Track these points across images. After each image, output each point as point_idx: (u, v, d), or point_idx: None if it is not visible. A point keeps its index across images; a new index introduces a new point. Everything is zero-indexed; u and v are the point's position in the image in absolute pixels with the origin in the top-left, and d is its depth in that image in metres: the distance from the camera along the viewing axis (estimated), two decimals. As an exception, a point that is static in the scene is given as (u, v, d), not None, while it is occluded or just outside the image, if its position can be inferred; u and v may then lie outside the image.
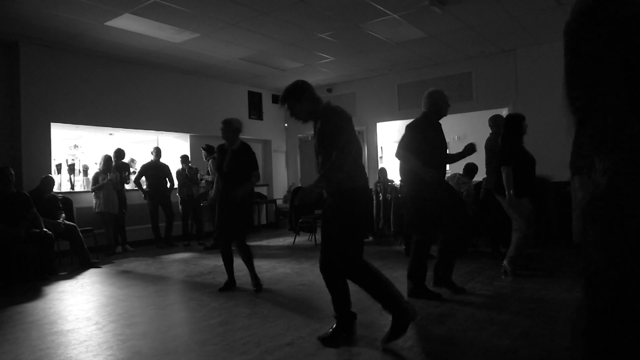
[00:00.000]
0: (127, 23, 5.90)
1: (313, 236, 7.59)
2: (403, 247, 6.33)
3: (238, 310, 3.68)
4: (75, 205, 6.74)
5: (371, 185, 6.22)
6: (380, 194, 7.15)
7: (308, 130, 10.19)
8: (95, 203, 6.79)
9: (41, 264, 5.33)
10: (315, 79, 8.89)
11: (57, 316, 3.77)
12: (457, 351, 2.71)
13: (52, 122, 6.86)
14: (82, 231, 6.11)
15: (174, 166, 7.93)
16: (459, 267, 4.92)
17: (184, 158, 7.92)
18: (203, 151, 7.86)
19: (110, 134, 8.50)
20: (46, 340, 3.12)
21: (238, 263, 4.47)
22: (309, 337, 2.97)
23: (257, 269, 4.49)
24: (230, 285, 4.43)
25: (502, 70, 7.86)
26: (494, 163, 4.86)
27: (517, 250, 4.51)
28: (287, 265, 5.57)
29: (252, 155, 4.38)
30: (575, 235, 1.48)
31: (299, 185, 9.91)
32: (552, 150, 5.75)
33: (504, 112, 6.70)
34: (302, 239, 7.84)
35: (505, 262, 4.58)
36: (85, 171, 7.92)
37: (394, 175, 6.65)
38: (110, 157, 7.06)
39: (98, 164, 7.13)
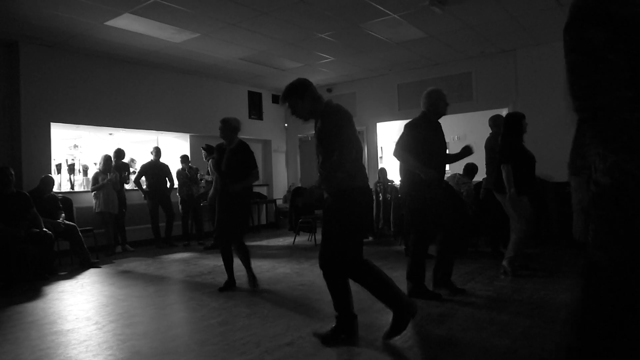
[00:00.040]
0: (127, 23, 5.89)
1: (313, 236, 7.59)
2: (403, 247, 6.34)
3: (238, 310, 3.68)
4: (75, 205, 6.73)
5: (371, 185, 6.23)
6: (380, 194, 7.15)
7: (308, 130, 10.23)
8: (95, 203, 6.79)
9: (41, 264, 5.33)
10: (315, 79, 8.89)
11: (57, 316, 3.77)
12: (457, 351, 2.71)
13: (52, 122, 6.85)
14: (82, 231, 6.11)
15: (174, 166, 7.93)
16: (459, 267, 4.92)
17: (183, 158, 7.92)
18: (203, 151, 7.87)
19: (110, 134, 8.50)
20: (46, 340, 3.12)
21: (238, 263, 4.46)
22: (308, 337, 2.97)
23: (257, 269, 4.49)
24: (230, 285, 4.42)
25: (502, 70, 7.86)
26: (494, 163, 4.86)
27: (515, 251, 4.51)
28: (287, 265, 5.57)
29: (250, 154, 4.38)
30: (576, 234, 1.48)
31: (299, 185, 9.91)
32: (552, 150, 5.75)
33: (504, 112, 6.69)
34: (302, 239, 7.84)
35: (504, 263, 4.58)
36: (85, 171, 7.92)
37: (394, 175, 6.66)
38: (110, 157, 7.06)
39: (98, 164, 7.14)
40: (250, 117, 9.95)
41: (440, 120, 3.93)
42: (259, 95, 10.23)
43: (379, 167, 8.22)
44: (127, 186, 7.55)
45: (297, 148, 10.82)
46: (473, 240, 6.20)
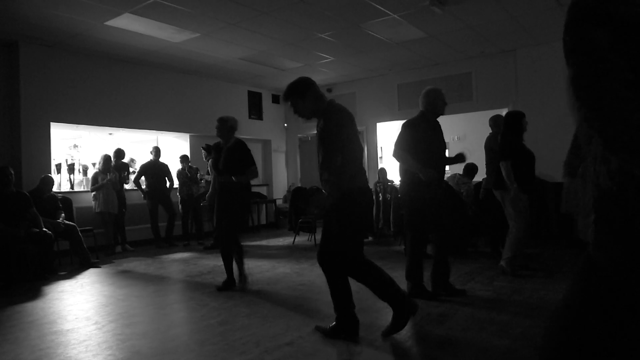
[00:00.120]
0: (127, 23, 5.89)
1: (313, 236, 7.59)
2: (403, 247, 6.33)
3: (237, 310, 3.68)
4: (74, 205, 6.74)
5: (371, 185, 6.22)
6: (380, 194, 7.15)
7: (308, 130, 10.24)
8: (95, 203, 6.79)
9: (41, 264, 5.33)
10: (315, 79, 8.75)
11: (56, 316, 3.77)
12: (457, 351, 2.71)
13: (51, 122, 6.85)
14: (81, 231, 6.11)
15: (174, 166, 7.93)
16: (459, 268, 4.93)
17: (183, 158, 7.92)
18: (203, 151, 7.86)
19: (110, 134, 8.50)
20: (46, 340, 3.12)
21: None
22: (308, 337, 2.97)
23: (257, 269, 4.49)
24: (229, 285, 4.42)
25: (502, 70, 7.86)
26: (494, 163, 4.87)
27: (512, 251, 4.51)
28: (287, 265, 5.57)
29: (247, 152, 4.38)
30: (581, 233, 1.48)
31: (299, 185, 9.91)
32: (552, 150, 5.76)
33: (504, 112, 6.69)
34: (302, 239, 7.84)
35: (502, 263, 4.58)
36: (85, 171, 7.92)
37: (394, 175, 6.66)
38: (109, 156, 7.06)
39: (97, 164, 7.14)
40: (250, 117, 9.95)
41: (440, 121, 3.92)
42: (259, 95, 10.23)
43: (379, 167, 8.22)
44: (126, 186, 7.55)
45: (297, 148, 10.82)
46: (473, 240, 6.21)
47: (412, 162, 3.66)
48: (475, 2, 5.58)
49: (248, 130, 9.61)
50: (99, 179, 6.79)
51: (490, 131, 5.54)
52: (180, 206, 7.73)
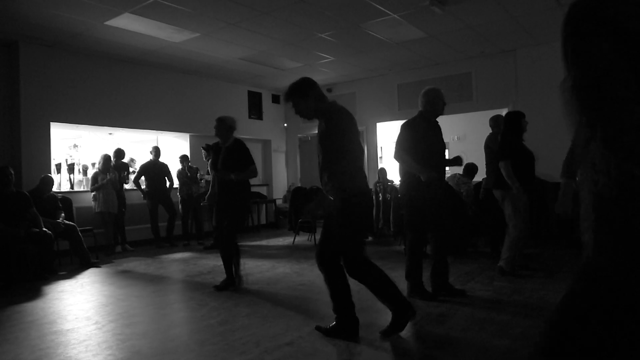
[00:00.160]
0: (127, 22, 5.89)
1: (313, 236, 7.59)
2: (402, 247, 6.33)
3: (237, 310, 3.68)
4: (74, 205, 6.74)
5: (371, 186, 6.22)
6: (380, 194, 7.15)
7: (308, 130, 10.24)
8: (95, 203, 6.79)
9: (41, 264, 5.33)
10: (315, 79, 8.72)
11: (56, 316, 3.77)
12: (457, 351, 2.71)
13: (51, 122, 6.85)
14: (81, 231, 6.11)
15: (174, 166, 7.93)
16: (459, 268, 4.93)
17: (183, 158, 7.92)
18: (203, 151, 7.86)
19: (110, 134, 8.50)
20: (45, 340, 3.12)
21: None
22: (308, 337, 2.97)
23: (257, 269, 4.49)
24: (228, 285, 4.42)
25: (502, 70, 7.86)
26: (494, 163, 4.87)
27: (510, 251, 4.51)
28: (287, 265, 5.57)
29: (245, 151, 4.37)
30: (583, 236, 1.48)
31: (299, 185, 9.91)
32: (552, 150, 5.75)
33: (504, 113, 6.70)
34: (302, 238, 7.84)
35: (501, 264, 4.58)
36: (85, 171, 7.92)
37: (394, 175, 6.66)
38: (109, 156, 7.05)
39: (97, 164, 7.13)
40: (250, 117, 9.95)
41: (440, 121, 3.92)
42: (259, 95, 10.23)
43: (379, 167, 8.22)
44: (126, 186, 7.55)
45: (296, 148, 10.82)
46: (473, 240, 6.21)
47: (413, 163, 3.66)
48: (475, 2, 5.58)
49: (248, 130, 9.61)
50: (99, 178, 6.79)
51: (491, 131, 5.54)
52: (180, 206, 7.74)
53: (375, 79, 9.36)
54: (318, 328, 3.03)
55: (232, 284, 4.42)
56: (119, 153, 7.51)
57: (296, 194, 7.94)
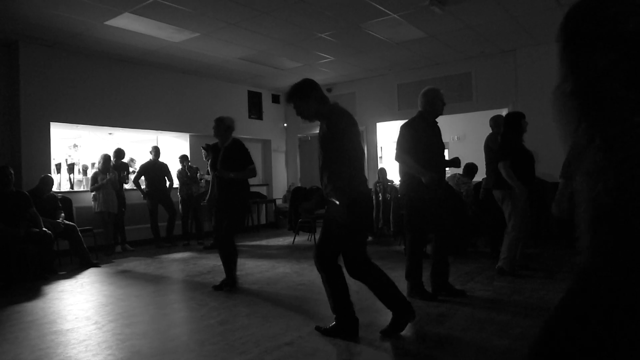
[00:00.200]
0: (127, 22, 5.89)
1: (312, 236, 7.59)
2: (402, 247, 6.34)
3: (237, 310, 3.68)
4: (74, 205, 6.74)
5: (371, 186, 6.22)
6: (380, 194, 7.15)
7: (308, 130, 10.24)
8: (95, 203, 6.79)
9: (41, 264, 5.33)
10: (315, 79, 8.74)
11: (56, 315, 3.77)
12: (457, 351, 2.71)
13: (51, 122, 6.85)
14: (81, 231, 6.11)
15: (174, 166, 7.93)
16: (459, 268, 4.93)
17: (183, 157, 7.92)
18: (203, 151, 7.86)
19: (110, 134, 8.50)
20: (45, 340, 3.12)
21: (240, 262, 4.46)
22: (308, 337, 2.97)
23: (256, 269, 4.49)
24: (227, 285, 4.41)
25: (502, 70, 7.86)
26: (494, 163, 4.87)
27: (510, 251, 4.51)
28: (287, 265, 5.57)
29: (244, 151, 4.37)
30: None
31: (299, 185, 9.91)
32: (552, 150, 5.76)
33: (504, 113, 6.70)
34: (302, 238, 7.84)
35: (500, 264, 4.58)
36: (85, 171, 7.92)
37: (394, 175, 6.66)
38: (109, 156, 7.05)
39: (97, 164, 7.13)
40: (250, 117, 9.95)
41: (439, 121, 3.92)
42: (259, 95, 10.23)
43: (379, 167, 8.22)
44: (126, 186, 7.55)
45: (296, 148, 10.82)
46: (473, 240, 6.20)
47: (415, 165, 3.66)
48: (475, 2, 5.58)
49: (248, 130, 9.61)
50: (99, 178, 6.79)
51: (491, 131, 5.54)
52: (180, 206, 7.74)
53: (375, 79, 9.36)
54: (318, 328, 3.03)
55: (231, 283, 4.42)
56: (119, 153, 7.50)
57: (296, 194, 7.95)
